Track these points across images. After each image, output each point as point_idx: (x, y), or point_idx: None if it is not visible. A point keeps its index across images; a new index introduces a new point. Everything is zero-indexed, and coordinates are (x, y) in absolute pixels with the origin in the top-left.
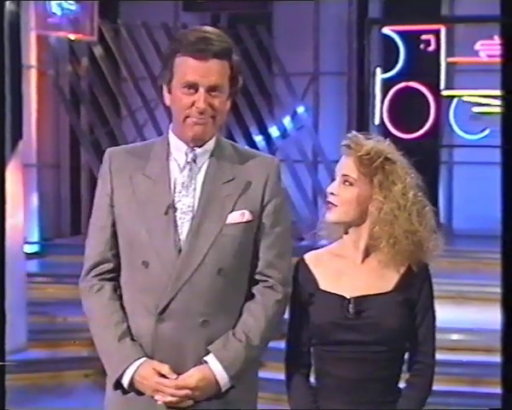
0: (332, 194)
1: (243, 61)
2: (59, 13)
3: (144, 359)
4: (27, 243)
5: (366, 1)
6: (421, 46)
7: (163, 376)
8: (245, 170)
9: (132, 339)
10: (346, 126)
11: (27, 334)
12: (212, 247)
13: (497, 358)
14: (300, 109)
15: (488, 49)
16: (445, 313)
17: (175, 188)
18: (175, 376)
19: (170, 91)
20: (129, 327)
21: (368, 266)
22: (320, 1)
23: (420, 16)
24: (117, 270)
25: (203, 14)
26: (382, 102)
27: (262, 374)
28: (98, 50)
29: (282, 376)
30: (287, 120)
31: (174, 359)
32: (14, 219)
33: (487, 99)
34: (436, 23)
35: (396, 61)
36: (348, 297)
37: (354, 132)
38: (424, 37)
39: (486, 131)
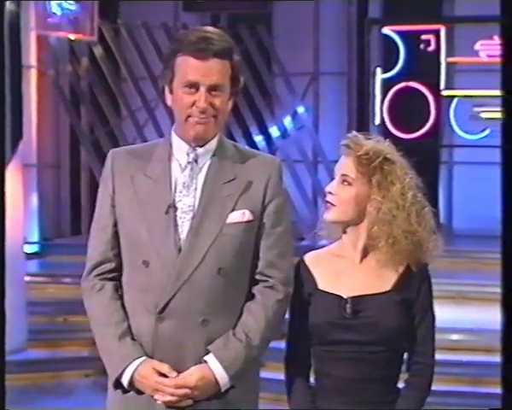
0: (330, 193)
1: (243, 61)
2: (59, 13)
3: (144, 358)
4: (27, 243)
5: (366, 1)
6: (421, 46)
7: (163, 375)
8: (246, 170)
9: (133, 338)
10: (346, 126)
11: (27, 334)
12: (212, 246)
13: (497, 358)
14: (300, 109)
15: (488, 49)
16: (444, 313)
17: (176, 188)
18: (175, 374)
19: (171, 91)
20: (129, 326)
21: (366, 266)
22: (320, 1)
23: (420, 16)
24: (118, 270)
25: (203, 14)
26: (382, 102)
27: (262, 374)
28: (98, 50)
29: (282, 376)
30: (287, 120)
31: (174, 358)
32: (14, 219)
33: (487, 99)
34: (436, 23)
35: (396, 61)
36: (345, 297)
37: (354, 132)
38: (424, 37)
39: (486, 131)
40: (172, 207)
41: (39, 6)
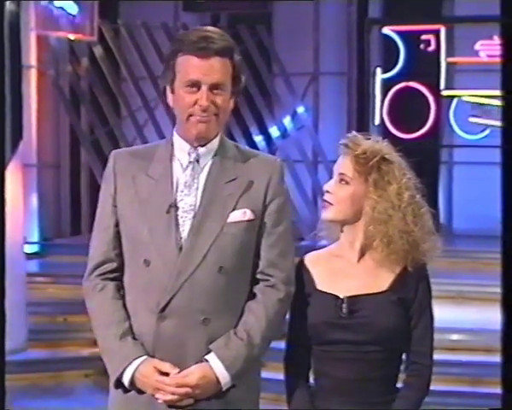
0: (328, 192)
1: (243, 61)
2: (59, 13)
3: (145, 357)
4: (27, 243)
5: (366, 1)
6: (421, 46)
7: (164, 374)
8: (247, 170)
9: (134, 338)
10: (346, 126)
11: (27, 334)
12: (213, 245)
13: (497, 358)
14: (300, 109)
15: (488, 49)
16: (444, 313)
17: (177, 187)
18: (177, 370)
19: (173, 91)
20: (131, 326)
21: (363, 266)
22: (320, 1)
23: (420, 16)
24: (120, 270)
25: (203, 14)
26: (382, 102)
27: (262, 374)
28: (98, 50)
29: (281, 376)
30: (287, 120)
31: (175, 357)
32: (14, 219)
33: (487, 99)
34: (436, 23)
35: (396, 61)
36: (342, 297)
37: (354, 132)
38: (424, 37)
39: (486, 132)
40: (174, 206)
41: (39, 6)
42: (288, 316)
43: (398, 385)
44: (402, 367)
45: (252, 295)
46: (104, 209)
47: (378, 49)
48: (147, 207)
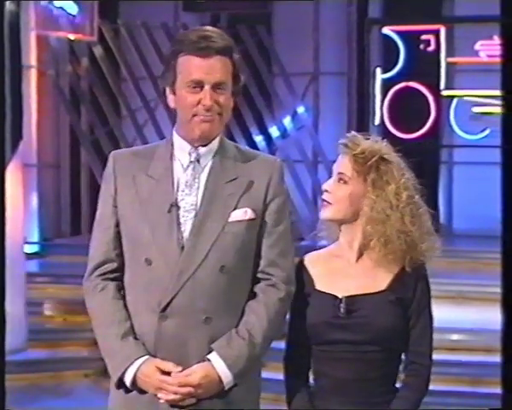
0: (327, 191)
1: (243, 61)
2: (59, 13)
3: (147, 357)
4: (27, 243)
5: (366, 1)
6: (421, 46)
7: (166, 374)
8: (248, 170)
9: (135, 338)
10: (346, 126)
11: (27, 334)
12: (214, 244)
13: (496, 358)
14: (300, 109)
15: (488, 49)
16: (444, 314)
17: (178, 187)
18: (180, 368)
19: (174, 92)
20: (132, 326)
21: (362, 266)
22: (320, 1)
23: (420, 16)
24: (120, 270)
25: (203, 14)
26: (382, 102)
27: (262, 374)
28: (98, 50)
29: (281, 376)
30: (287, 120)
31: (177, 356)
32: (14, 219)
33: (487, 99)
34: (436, 23)
35: (396, 61)
36: (340, 297)
37: (353, 132)
38: (424, 37)
39: (486, 131)
40: (175, 205)
41: (39, 6)
42: (288, 316)
43: (398, 385)
44: (401, 367)
45: (252, 295)
46: (104, 210)
47: (378, 49)
48: (148, 207)
